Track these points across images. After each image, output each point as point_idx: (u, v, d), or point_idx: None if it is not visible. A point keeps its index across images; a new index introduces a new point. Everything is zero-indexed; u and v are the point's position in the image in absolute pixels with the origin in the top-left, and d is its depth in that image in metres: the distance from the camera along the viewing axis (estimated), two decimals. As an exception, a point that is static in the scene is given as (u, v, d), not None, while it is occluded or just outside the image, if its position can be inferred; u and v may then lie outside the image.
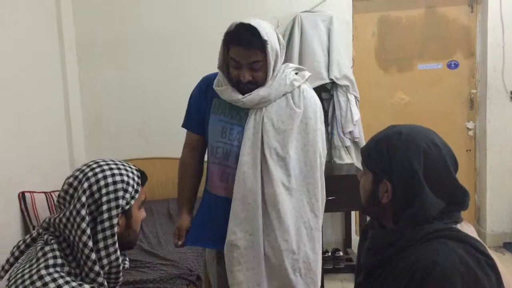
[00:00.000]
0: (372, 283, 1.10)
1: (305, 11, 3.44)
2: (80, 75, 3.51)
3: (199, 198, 1.90)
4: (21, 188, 2.67)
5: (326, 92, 3.48)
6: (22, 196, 2.66)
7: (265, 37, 1.58)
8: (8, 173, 2.55)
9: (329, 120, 3.52)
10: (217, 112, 1.74)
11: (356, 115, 3.40)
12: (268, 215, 1.66)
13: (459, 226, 1.06)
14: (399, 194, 1.08)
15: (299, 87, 1.71)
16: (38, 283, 1.01)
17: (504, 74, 3.66)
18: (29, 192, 2.69)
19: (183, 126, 1.89)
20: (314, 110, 1.72)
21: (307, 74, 1.77)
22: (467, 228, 1.09)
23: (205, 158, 1.90)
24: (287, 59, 3.43)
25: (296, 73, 1.75)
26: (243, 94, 1.65)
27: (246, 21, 1.60)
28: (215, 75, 1.79)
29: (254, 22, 1.60)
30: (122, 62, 3.55)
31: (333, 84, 3.38)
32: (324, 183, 1.77)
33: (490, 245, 3.61)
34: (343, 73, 3.34)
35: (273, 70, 1.65)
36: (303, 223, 1.68)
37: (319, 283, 1.74)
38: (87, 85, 3.53)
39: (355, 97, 3.42)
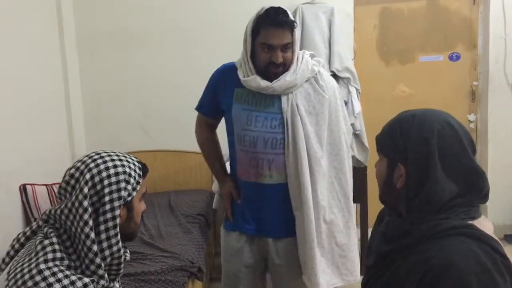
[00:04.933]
0: (382, 270, 1.08)
1: (306, 3, 3.42)
2: (81, 68, 3.51)
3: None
4: (22, 180, 2.68)
5: (327, 84, 3.47)
6: (23, 189, 2.67)
7: (293, 19, 1.69)
8: (9, 166, 2.55)
9: (330, 112, 3.52)
10: (240, 101, 1.79)
11: (358, 107, 3.39)
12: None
13: (476, 222, 1.03)
14: (412, 176, 1.04)
15: (319, 71, 1.80)
16: (37, 278, 1.00)
17: (506, 66, 3.64)
18: (30, 184, 2.69)
19: (197, 109, 1.99)
20: (333, 92, 1.83)
21: (320, 59, 1.87)
22: (484, 224, 1.05)
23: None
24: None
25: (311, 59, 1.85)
26: (270, 81, 1.72)
27: (274, 5, 1.71)
28: (233, 64, 1.85)
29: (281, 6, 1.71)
30: (123, 55, 3.54)
31: (334, 76, 3.36)
32: (350, 158, 1.89)
33: (491, 238, 3.62)
34: (344, 65, 3.33)
35: (296, 53, 1.75)
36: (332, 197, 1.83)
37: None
38: (88, 77, 3.53)
39: (357, 89, 3.41)
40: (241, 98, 1.79)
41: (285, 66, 1.73)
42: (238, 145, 1.81)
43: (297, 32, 1.71)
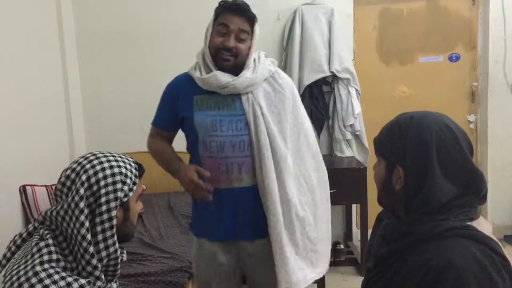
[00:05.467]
0: (382, 272, 1.08)
1: (306, 4, 3.42)
2: (81, 68, 3.51)
3: None
4: (22, 181, 2.68)
5: (327, 85, 3.47)
6: (23, 190, 2.66)
7: (253, 13, 1.73)
8: (9, 167, 2.55)
9: (330, 113, 3.52)
10: (201, 107, 1.74)
11: (357, 108, 3.39)
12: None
13: (475, 223, 1.04)
14: (411, 178, 1.05)
15: (276, 70, 1.81)
16: (33, 280, 1.00)
17: (506, 66, 3.64)
18: (30, 185, 2.69)
19: (153, 123, 1.91)
20: (292, 90, 1.83)
21: (274, 60, 1.88)
22: (483, 225, 1.05)
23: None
24: (288, 52, 3.42)
25: None
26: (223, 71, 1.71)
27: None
28: (185, 74, 1.83)
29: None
30: (123, 55, 3.54)
31: (334, 77, 3.37)
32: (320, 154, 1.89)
33: (491, 238, 3.62)
34: (344, 66, 3.34)
35: (253, 50, 1.76)
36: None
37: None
38: (88, 78, 3.53)
39: (356, 90, 3.42)
40: (202, 104, 1.75)
41: (237, 58, 1.71)
42: (203, 152, 1.75)
43: (257, 26, 1.73)
